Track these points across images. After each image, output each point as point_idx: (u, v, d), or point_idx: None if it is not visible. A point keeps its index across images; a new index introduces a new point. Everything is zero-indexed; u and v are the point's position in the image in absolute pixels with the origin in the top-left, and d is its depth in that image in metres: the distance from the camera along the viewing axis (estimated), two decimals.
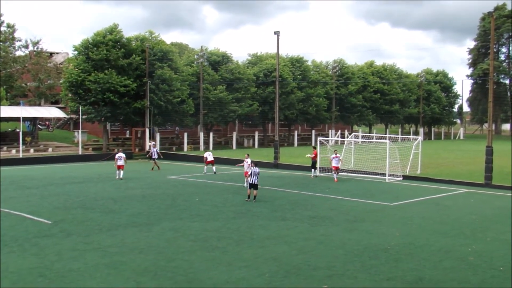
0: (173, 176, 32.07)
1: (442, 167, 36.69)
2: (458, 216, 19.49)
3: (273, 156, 39.69)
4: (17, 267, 12.37)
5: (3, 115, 44.33)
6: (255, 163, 23.41)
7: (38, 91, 57.25)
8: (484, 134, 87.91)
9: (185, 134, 53.22)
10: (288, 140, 65.21)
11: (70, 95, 48.65)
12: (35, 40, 57.74)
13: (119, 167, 30.63)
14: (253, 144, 60.13)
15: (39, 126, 53.38)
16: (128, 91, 47.23)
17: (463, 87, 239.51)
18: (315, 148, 32.94)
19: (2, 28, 54.34)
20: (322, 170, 32.94)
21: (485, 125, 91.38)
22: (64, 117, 57.88)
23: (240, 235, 15.81)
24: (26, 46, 57.62)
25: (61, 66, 59.00)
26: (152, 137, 50.42)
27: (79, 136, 48.50)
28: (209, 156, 34.30)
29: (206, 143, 53.69)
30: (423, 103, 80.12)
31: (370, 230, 16.67)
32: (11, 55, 55.54)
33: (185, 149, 52.00)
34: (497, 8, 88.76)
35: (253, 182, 22.19)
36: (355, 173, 32.80)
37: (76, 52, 48.63)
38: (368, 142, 40.67)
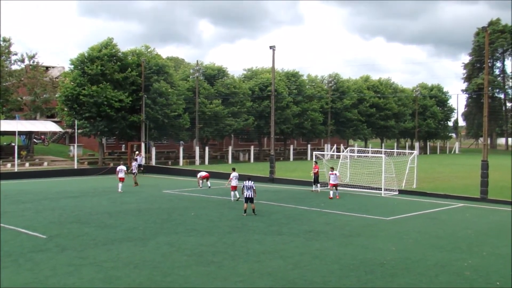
0: (169, 191, 32.00)
1: (438, 181, 36.76)
2: (454, 231, 19.48)
3: (268, 170, 39.66)
4: (11, 282, 12.26)
5: None
6: (249, 177, 23.42)
7: (34, 105, 57.27)
8: (480, 148, 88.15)
9: (181, 148, 53.20)
10: (284, 154, 65.26)
11: (65, 109, 48.60)
12: (31, 54, 57.90)
13: (121, 180, 30.80)
14: (249, 158, 60.13)
15: (34, 140, 53.31)
16: (123, 106, 47.28)
17: (458, 101, 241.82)
18: (316, 162, 32.75)
19: None
20: (320, 184, 32.66)
21: (481, 139, 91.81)
22: (60, 131, 57.86)
23: (236, 250, 15.75)
24: (22, 60, 57.71)
25: (57, 80, 58.98)
26: (148, 151, 50.37)
27: (74, 150, 48.48)
28: (203, 172, 34.47)
29: (202, 157, 53.64)
30: (419, 118, 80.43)
31: (365, 245, 16.64)
32: (7, 69, 55.56)
33: (181, 163, 51.94)
34: (491, 23, 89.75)
35: (248, 196, 22.20)
36: (351, 187, 32.76)
37: (72, 66, 48.70)
38: (364, 156, 40.71)
